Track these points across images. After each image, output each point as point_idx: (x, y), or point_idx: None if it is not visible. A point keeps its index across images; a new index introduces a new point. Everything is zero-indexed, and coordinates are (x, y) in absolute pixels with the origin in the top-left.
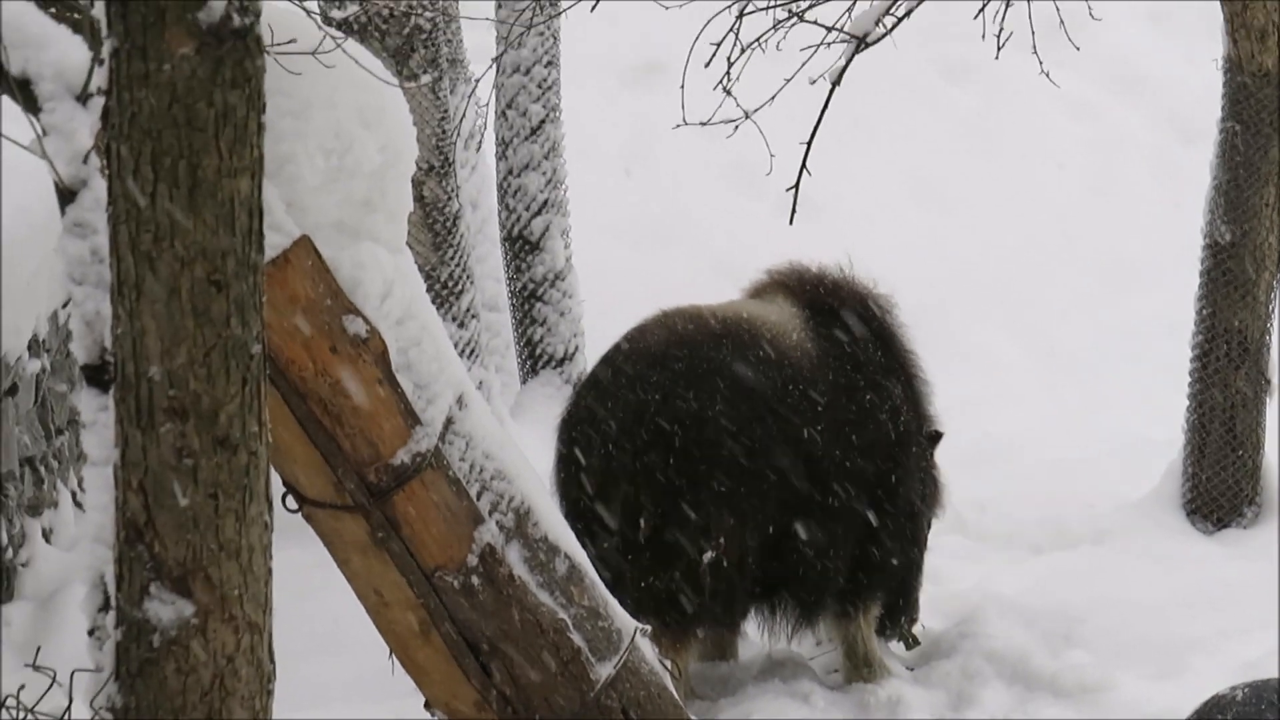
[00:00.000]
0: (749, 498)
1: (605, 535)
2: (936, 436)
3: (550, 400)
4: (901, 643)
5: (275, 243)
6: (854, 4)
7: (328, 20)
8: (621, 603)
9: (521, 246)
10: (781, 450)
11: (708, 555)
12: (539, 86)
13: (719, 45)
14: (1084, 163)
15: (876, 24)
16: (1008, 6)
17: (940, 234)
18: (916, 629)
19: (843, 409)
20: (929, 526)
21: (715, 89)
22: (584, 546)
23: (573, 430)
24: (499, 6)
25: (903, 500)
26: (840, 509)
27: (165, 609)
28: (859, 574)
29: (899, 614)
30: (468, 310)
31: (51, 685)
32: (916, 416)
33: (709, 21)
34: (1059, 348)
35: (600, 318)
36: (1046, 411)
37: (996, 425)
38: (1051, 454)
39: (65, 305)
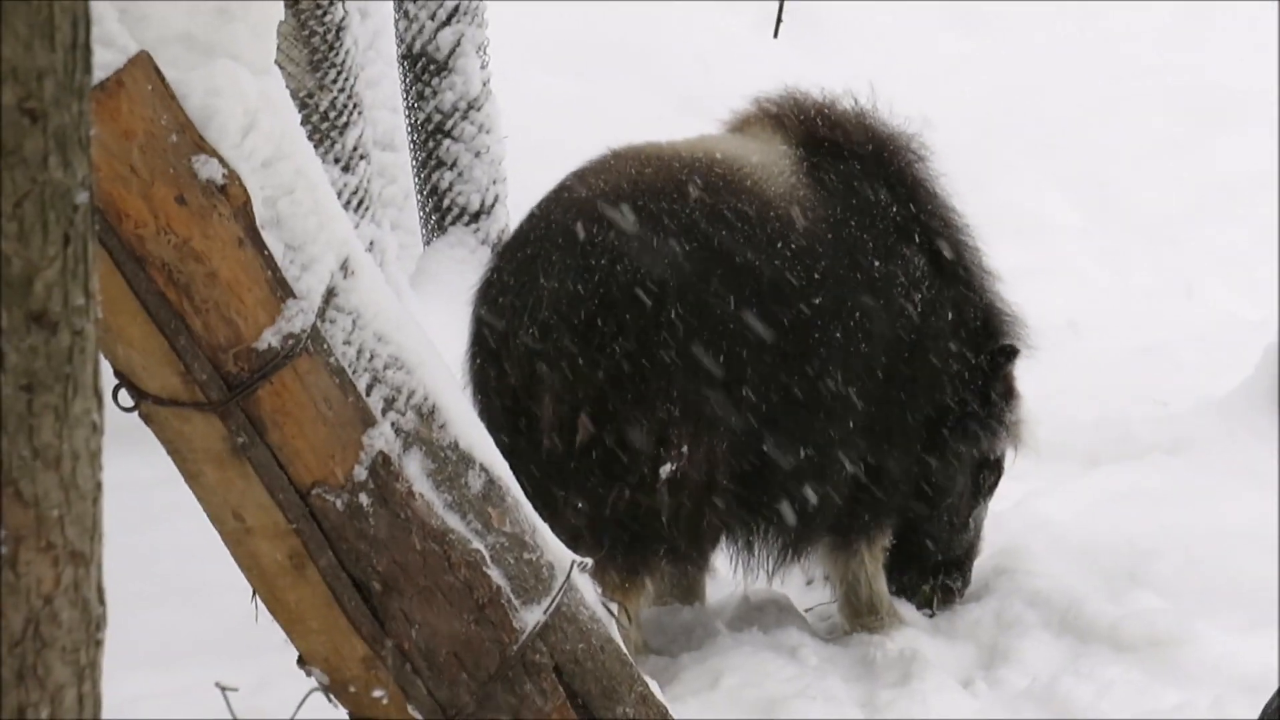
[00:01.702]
0: (720, 393)
1: (532, 442)
2: (1006, 352)
3: (462, 266)
4: (925, 606)
5: (106, 61)
6: None
7: None
8: (553, 529)
9: (425, 66)
10: (763, 331)
11: (666, 468)
12: None
13: None
14: None
15: None
16: None
17: (976, 63)
18: (951, 605)
19: (845, 279)
20: (993, 467)
21: None
22: (505, 457)
23: (492, 304)
24: None
25: (922, 403)
26: (838, 409)
27: None
28: (862, 496)
29: (929, 571)
30: (355, 149)
31: None
32: (958, 302)
33: None
34: (1126, 206)
35: (528, 160)
36: (1109, 286)
37: (1046, 304)
38: (1115, 340)
39: None
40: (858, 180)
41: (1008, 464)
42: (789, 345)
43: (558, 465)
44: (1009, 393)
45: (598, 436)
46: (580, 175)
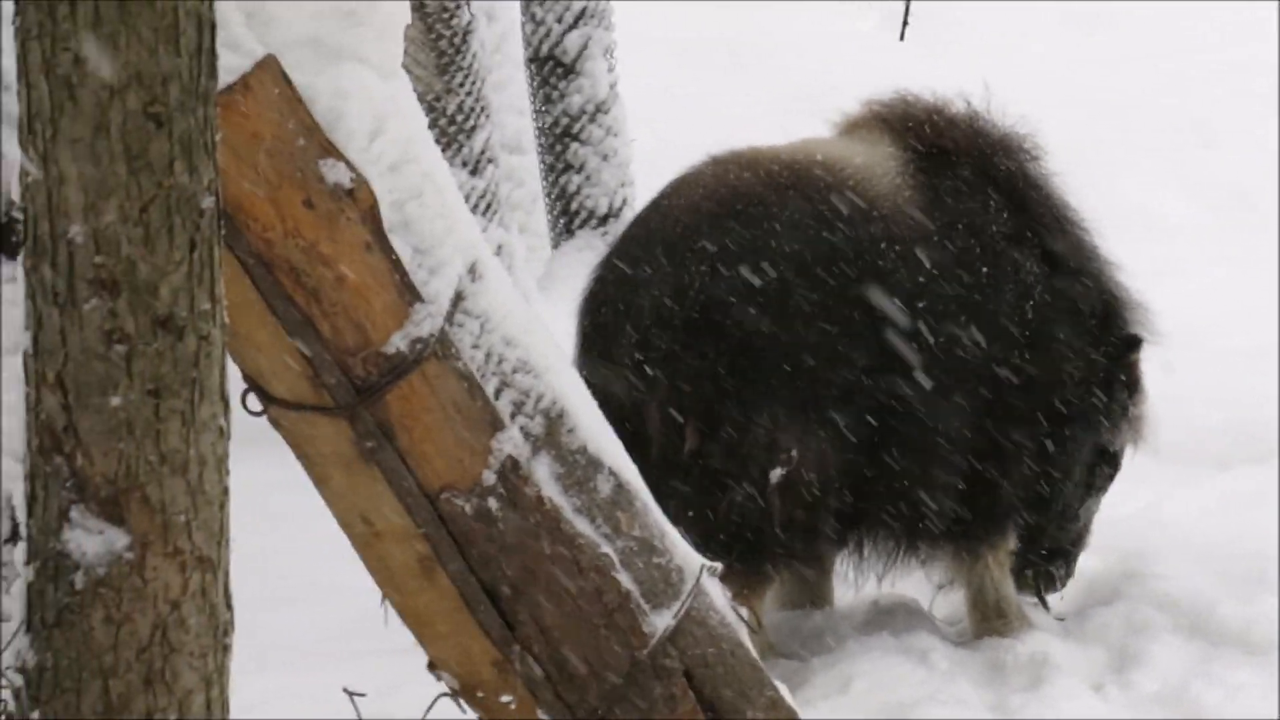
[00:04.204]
0: (828, 397)
1: (642, 452)
2: (1130, 342)
3: (589, 270)
4: (1025, 591)
5: (232, 65)
6: None
7: None
8: None
9: (552, 70)
10: (870, 334)
11: (777, 473)
12: None
13: None
14: None
15: None
16: None
17: (1097, 61)
18: (1054, 598)
19: (953, 281)
20: (1110, 460)
21: None
22: None
23: (595, 315)
24: None
25: (1034, 410)
26: (947, 412)
27: (91, 540)
28: (981, 501)
29: (1034, 558)
30: (482, 152)
31: None
32: (1071, 303)
33: None
34: (1251, 206)
35: (655, 162)
36: (1236, 285)
37: (1170, 303)
38: (1242, 340)
39: None
40: (967, 184)
41: (1125, 459)
42: (895, 346)
43: (668, 474)
44: (1134, 385)
45: (706, 444)
46: (679, 183)
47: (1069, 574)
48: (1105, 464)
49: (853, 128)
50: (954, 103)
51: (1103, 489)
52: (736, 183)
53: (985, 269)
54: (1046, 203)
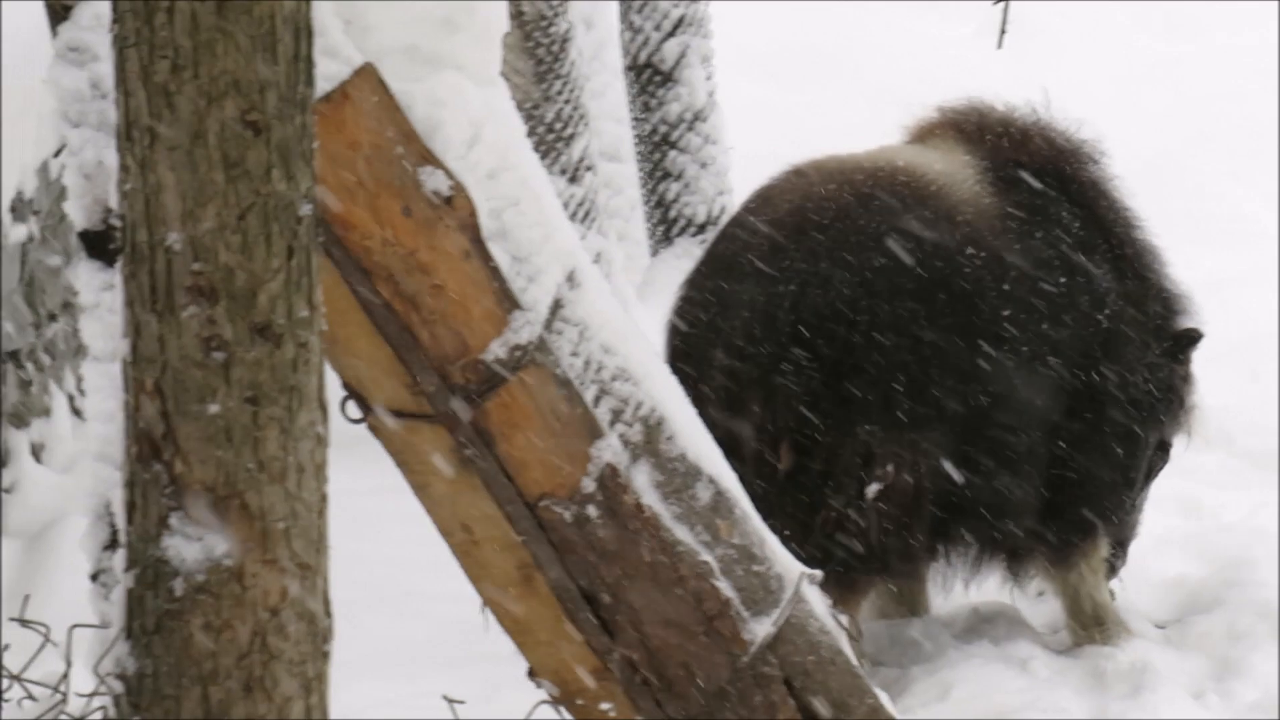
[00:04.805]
0: (922, 408)
1: (735, 467)
2: (1188, 337)
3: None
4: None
5: (330, 73)
6: None
7: None
8: None
9: (650, 77)
10: (958, 342)
11: (873, 488)
12: None
13: None
14: None
15: None
16: None
17: (1181, 65)
18: (1113, 582)
19: (1033, 290)
20: (1164, 451)
21: None
22: None
23: (685, 336)
24: None
25: (1114, 414)
26: (1036, 420)
27: (190, 546)
28: (1071, 508)
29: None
30: (581, 160)
31: (44, 645)
32: (1138, 304)
33: None
34: None
35: (754, 169)
36: None
37: (1257, 308)
38: None
39: (58, 154)
40: (1041, 191)
41: (1177, 451)
42: (982, 355)
43: (763, 492)
44: (1187, 377)
45: (800, 462)
46: (764, 196)
47: (1124, 563)
48: (1160, 454)
49: (925, 134)
50: (1023, 110)
51: (1154, 477)
52: (822, 195)
53: (1063, 277)
54: (1113, 210)
